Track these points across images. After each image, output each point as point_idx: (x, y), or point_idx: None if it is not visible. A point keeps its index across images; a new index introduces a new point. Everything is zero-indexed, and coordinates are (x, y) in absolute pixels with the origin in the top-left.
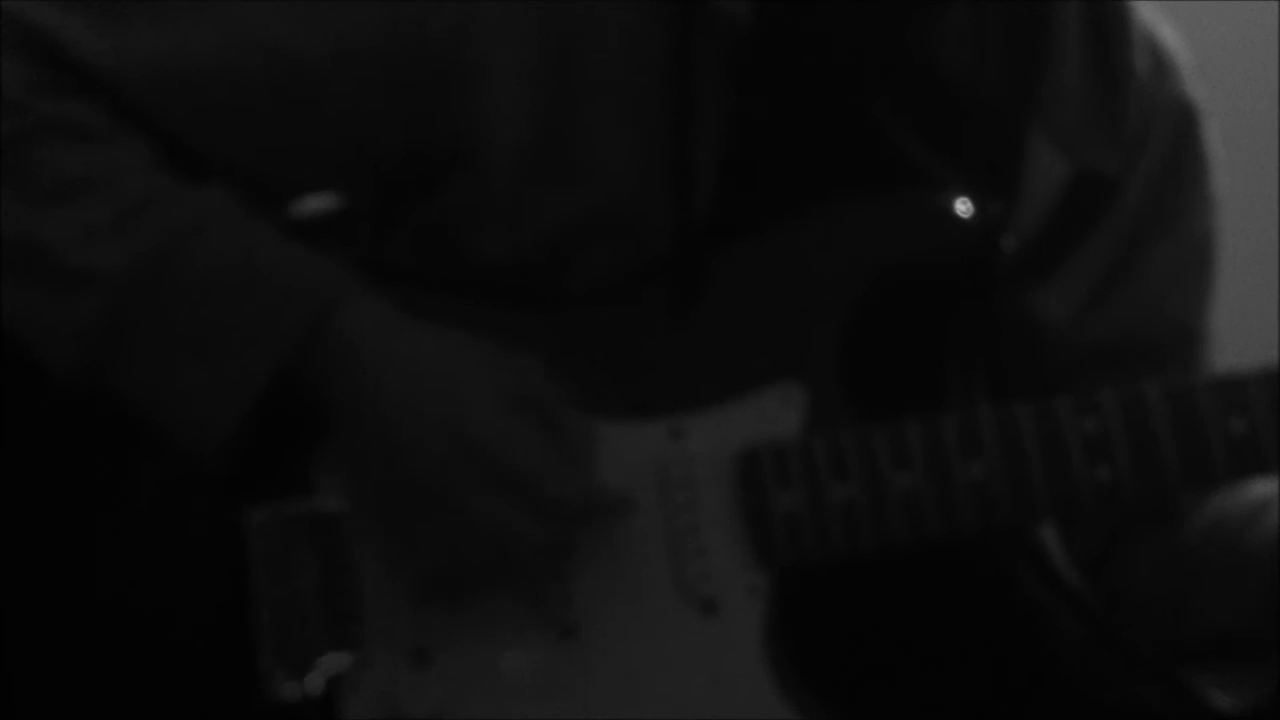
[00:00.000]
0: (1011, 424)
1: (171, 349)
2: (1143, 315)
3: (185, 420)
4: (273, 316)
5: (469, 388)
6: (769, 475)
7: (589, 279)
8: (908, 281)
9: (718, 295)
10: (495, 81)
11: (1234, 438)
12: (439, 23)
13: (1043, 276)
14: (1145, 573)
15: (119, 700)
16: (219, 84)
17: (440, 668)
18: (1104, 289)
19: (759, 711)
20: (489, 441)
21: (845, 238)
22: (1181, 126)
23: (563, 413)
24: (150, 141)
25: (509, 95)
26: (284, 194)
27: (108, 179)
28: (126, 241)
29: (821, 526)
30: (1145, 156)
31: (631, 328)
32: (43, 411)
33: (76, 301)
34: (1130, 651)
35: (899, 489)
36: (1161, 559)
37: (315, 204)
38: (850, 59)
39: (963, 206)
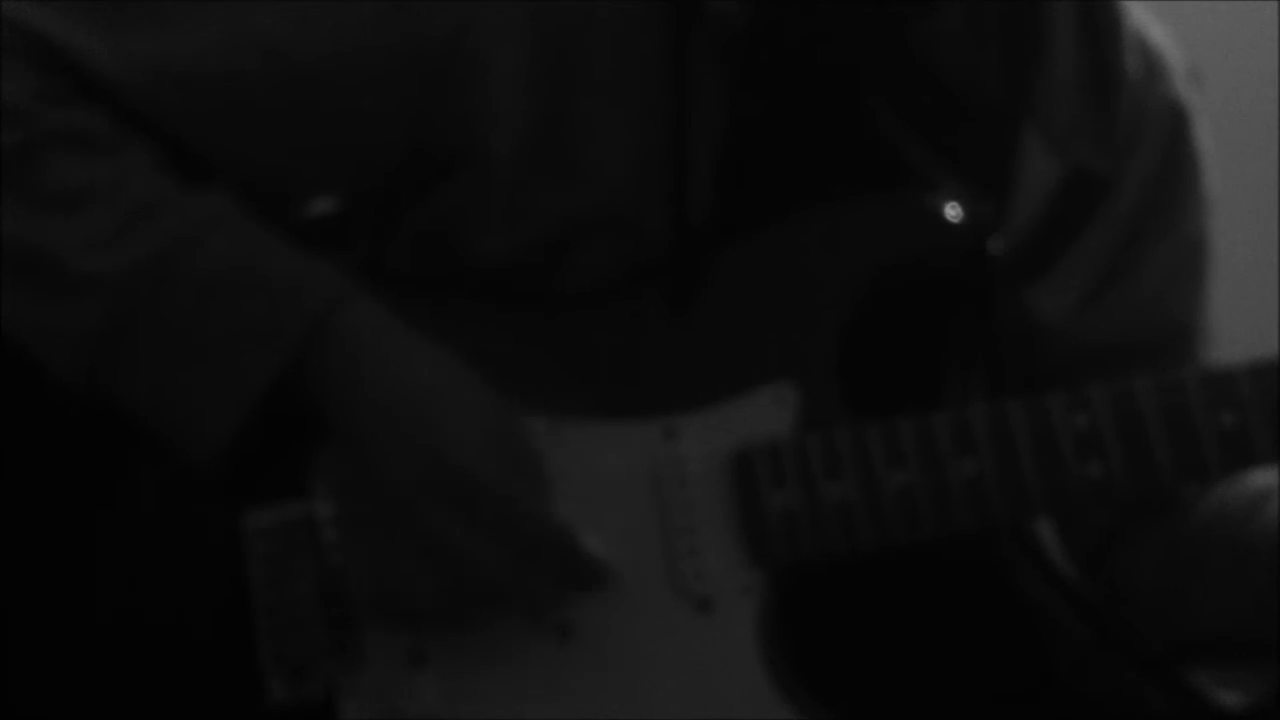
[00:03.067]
0: (1003, 421)
1: (171, 353)
2: (1140, 314)
3: (185, 425)
4: (272, 321)
5: (454, 404)
6: (763, 474)
7: (585, 278)
8: (904, 282)
9: (714, 295)
10: (494, 80)
11: (1225, 431)
12: (439, 22)
13: (1039, 276)
14: (1145, 568)
15: (118, 703)
16: (220, 86)
17: (437, 669)
18: (1101, 289)
19: (755, 710)
20: (463, 462)
21: (841, 238)
22: (1174, 127)
23: (531, 450)
24: (153, 146)
25: (508, 94)
26: (286, 196)
27: (111, 187)
28: (128, 247)
29: (816, 525)
30: (1139, 157)
31: (627, 328)
32: (43, 412)
33: (78, 306)
34: (1130, 649)
35: (893, 487)
36: (1161, 553)
37: (314, 208)
38: (846, 58)
39: (954, 209)
